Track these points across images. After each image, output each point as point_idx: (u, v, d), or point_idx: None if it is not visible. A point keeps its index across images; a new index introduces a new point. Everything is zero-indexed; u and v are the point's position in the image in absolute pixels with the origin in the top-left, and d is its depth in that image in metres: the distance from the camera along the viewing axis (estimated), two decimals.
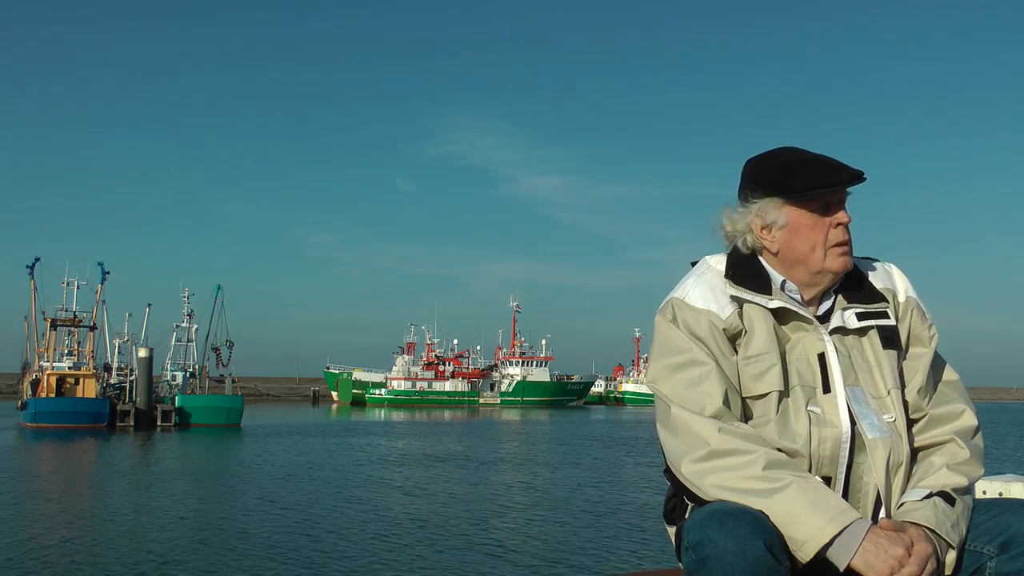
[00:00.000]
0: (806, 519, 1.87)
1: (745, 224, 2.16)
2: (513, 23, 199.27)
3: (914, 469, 2.09)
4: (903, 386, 2.14)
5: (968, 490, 2.06)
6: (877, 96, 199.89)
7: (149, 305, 67.97)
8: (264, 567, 14.83)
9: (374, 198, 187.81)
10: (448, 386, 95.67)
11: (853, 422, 2.05)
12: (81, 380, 54.94)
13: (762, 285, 2.13)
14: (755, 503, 1.90)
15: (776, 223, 2.12)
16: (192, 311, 64.92)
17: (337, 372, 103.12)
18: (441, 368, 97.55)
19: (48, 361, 57.34)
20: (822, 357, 2.09)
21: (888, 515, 2.02)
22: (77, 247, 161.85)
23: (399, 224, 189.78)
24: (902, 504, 2.02)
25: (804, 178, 2.08)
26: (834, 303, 2.17)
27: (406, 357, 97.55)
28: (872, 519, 1.99)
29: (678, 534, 2.12)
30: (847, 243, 2.12)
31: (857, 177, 2.09)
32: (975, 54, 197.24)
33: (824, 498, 1.91)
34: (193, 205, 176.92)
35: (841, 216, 2.11)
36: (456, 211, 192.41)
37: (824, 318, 2.15)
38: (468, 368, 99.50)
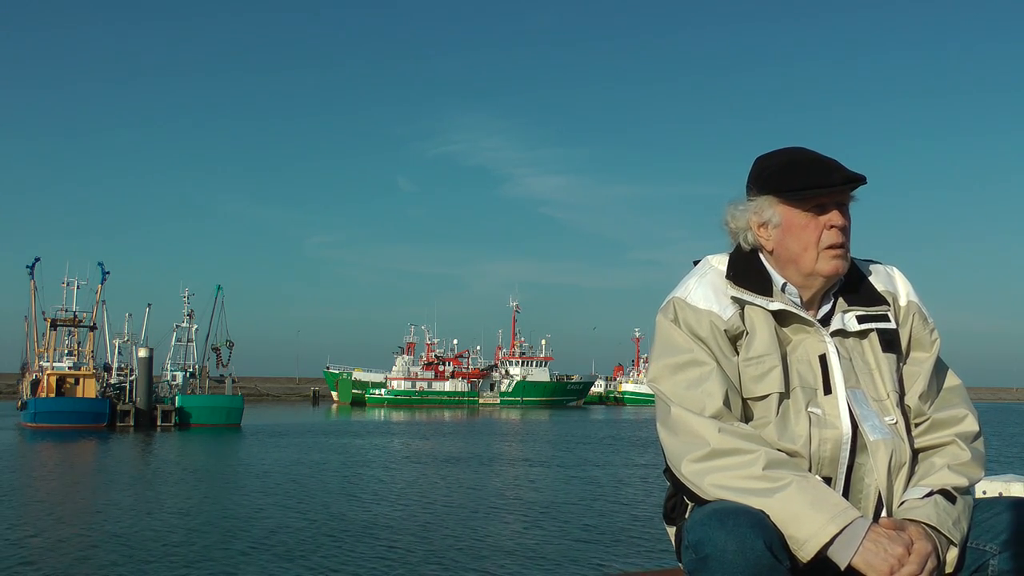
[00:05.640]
0: (807, 518, 1.87)
1: (745, 221, 2.17)
2: (514, 23, 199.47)
3: (915, 469, 2.09)
4: (902, 391, 2.14)
5: (968, 490, 2.06)
6: (876, 96, 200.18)
7: (149, 305, 67.86)
8: (265, 566, 14.84)
9: (375, 198, 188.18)
10: (448, 386, 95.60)
11: (854, 424, 2.04)
12: (81, 380, 54.94)
13: (763, 287, 2.12)
14: (755, 502, 1.90)
15: (771, 222, 2.13)
16: (192, 311, 64.91)
17: (337, 372, 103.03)
18: (441, 368, 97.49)
19: (48, 361, 57.41)
20: (823, 358, 2.09)
21: (889, 516, 2.01)
22: (77, 247, 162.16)
23: (400, 224, 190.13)
24: (903, 502, 2.02)
25: (797, 178, 2.07)
26: (834, 305, 2.16)
27: (406, 357, 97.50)
28: (873, 521, 1.98)
29: (678, 534, 2.12)
30: (841, 246, 2.09)
31: (853, 180, 2.07)
32: (976, 54, 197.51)
33: (825, 497, 1.91)
34: (193, 205, 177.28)
35: (834, 218, 2.08)
36: (457, 211, 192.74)
37: (825, 320, 2.15)
38: (468, 368, 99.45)
